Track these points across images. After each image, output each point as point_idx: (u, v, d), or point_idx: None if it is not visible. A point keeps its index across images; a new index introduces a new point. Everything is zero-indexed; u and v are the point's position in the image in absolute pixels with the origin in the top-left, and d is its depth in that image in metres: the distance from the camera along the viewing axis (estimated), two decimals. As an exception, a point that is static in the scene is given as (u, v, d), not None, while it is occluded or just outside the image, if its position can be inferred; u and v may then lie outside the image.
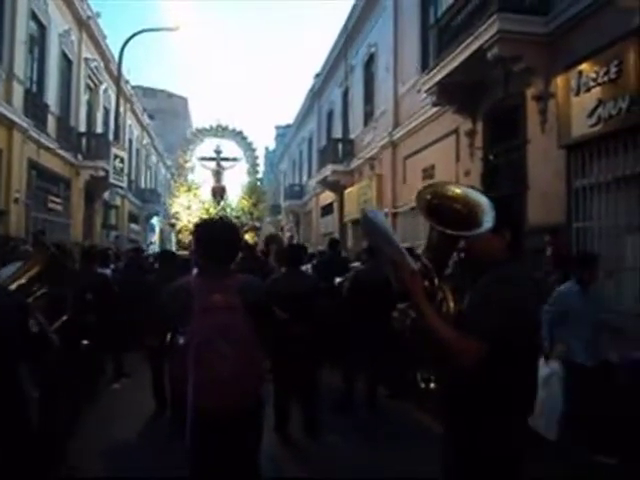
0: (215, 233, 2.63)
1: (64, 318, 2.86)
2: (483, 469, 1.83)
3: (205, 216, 20.87)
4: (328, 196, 21.00)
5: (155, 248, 21.07)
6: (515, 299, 1.81)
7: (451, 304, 1.90)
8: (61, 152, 15.65)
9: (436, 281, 1.90)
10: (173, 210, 21.76)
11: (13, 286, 2.28)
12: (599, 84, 6.53)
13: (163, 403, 5.12)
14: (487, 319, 1.77)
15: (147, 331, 2.79)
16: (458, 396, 1.90)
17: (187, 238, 20.77)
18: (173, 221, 22.40)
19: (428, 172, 12.13)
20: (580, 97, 6.88)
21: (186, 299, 2.40)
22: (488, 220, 1.81)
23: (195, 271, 3.31)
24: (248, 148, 22.38)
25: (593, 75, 6.61)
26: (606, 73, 6.39)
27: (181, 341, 2.39)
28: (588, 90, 6.72)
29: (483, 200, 1.92)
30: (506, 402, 1.82)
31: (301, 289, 4.77)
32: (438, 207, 1.94)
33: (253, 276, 3.05)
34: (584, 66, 6.81)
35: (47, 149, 14.60)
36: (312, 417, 4.84)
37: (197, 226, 2.83)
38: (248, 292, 2.49)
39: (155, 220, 34.16)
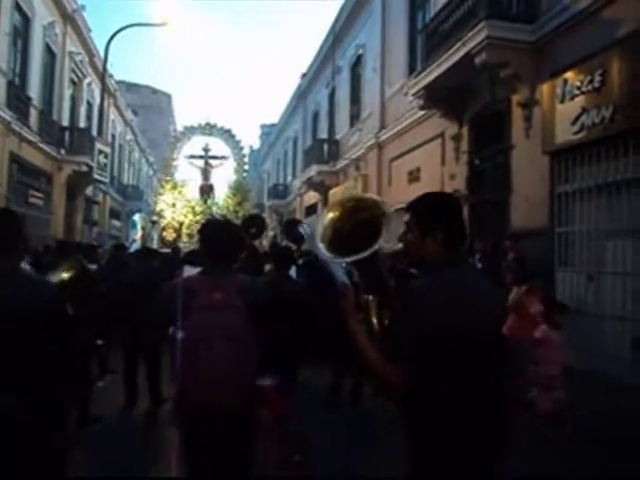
0: (217, 233, 2.70)
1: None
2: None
3: (190, 214, 20.86)
4: (312, 196, 21.03)
5: (137, 245, 20.81)
6: (423, 316, 1.70)
7: (374, 321, 1.89)
8: (43, 146, 15.43)
9: (370, 298, 1.92)
10: (158, 208, 21.65)
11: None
12: (583, 92, 6.68)
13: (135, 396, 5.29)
14: (400, 343, 1.72)
15: (147, 326, 2.78)
16: (404, 408, 1.84)
17: (171, 236, 20.69)
18: (155, 218, 22.28)
19: (414, 175, 12.25)
20: (565, 105, 7.03)
21: (186, 296, 2.43)
22: (384, 226, 1.84)
23: (186, 269, 3.33)
24: (236, 146, 22.37)
25: (578, 83, 6.76)
26: (590, 82, 6.54)
27: (179, 336, 2.39)
28: (572, 98, 6.87)
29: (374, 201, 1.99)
30: (445, 414, 1.72)
31: (284, 295, 4.76)
32: (340, 233, 1.94)
33: (255, 276, 3.14)
34: (569, 74, 6.96)
35: (29, 142, 14.38)
36: None
37: (202, 225, 2.90)
38: (249, 292, 2.52)
39: (137, 217, 33.81)
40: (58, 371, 2.20)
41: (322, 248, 1.90)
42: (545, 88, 7.46)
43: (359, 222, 1.94)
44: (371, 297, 1.96)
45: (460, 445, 1.70)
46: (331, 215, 2.00)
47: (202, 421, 2.39)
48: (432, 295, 1.75)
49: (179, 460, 2.62)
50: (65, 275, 2.89)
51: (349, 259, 1.85)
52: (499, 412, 1.82)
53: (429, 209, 1.89)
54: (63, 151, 16.99)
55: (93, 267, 6.65)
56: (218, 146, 21.59)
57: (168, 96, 52.76)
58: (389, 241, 1.97)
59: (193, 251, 6.42)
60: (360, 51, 16.60)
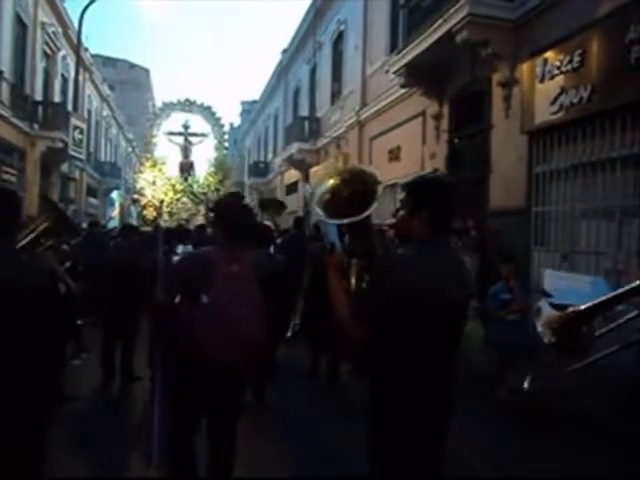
0: (243, 216, 2.93)
1: (67, 264, 3.49)
2: (382, 447, 1.96)
3: (171, 192, 20.56)
4: (293, 174, 20.91)
5: (114, 223, 20.52)
6: (388, 281, 1.89)
7: (352, 281, 2.13)
8: (15, 121, 15.00)
9: (354, 261, 2.15)
10: (138, 186, 21.29)
11: (25, 241, 2.55)
12: (563, 72, 6.69)
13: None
14: (363, 302, 1.95)
15: (155, 293, 3.02)
16: (369, 371, 2.03)
17: (152, 214, 20.42)
18: (136, 197, 21.93)
19: (394, 153, 12.23)
20: (544, 84, 7.05)
21: (207, 266, 2.69)
22: (376, 197, 2.05)
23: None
24: (216, 124, 21.99)
25: (557, 63, 6.77)
26: (570, 62, 6.55)
27: (204, 300, 2.62)
28: (552, 78, 6.89)
29: (372, 174, 2.18)
30: (400, 381, 1.90)
31: (268, 272, 4.81)
32: (337, 198, 2.16)
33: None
34: (549, 54, 6.96)
35: (0, 117, 13.95)
36: (261, 383, 5.02)
37: (218, 203, 3.15)
38: (260, 267, 2.86)
39: (115, 194, 33.27)
40: (49, 348, 2.41)
41: (319, 210, 2.11)
42: (525, 67, 7.46)
43: (355, 191, 2.13)
44: (356, 261, 2.18)
45: (405, 400, 1.90)
46: (331, 182, 2.19)
47: (214, 375, 2.64)
48: (398, 263, 1.97)
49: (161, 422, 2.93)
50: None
51: (341, 221, 2.06)
52: (445, 376, 1.98)
53: (419, 189, 2.06)
54: (36, 126, 16.53)
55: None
56: (198, 123, 21.23)
57: (146, 71, 51.53)
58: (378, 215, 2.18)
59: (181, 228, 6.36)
60: (342, 27, 16.36)
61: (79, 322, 5.03)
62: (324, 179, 2.23)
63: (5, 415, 2.20)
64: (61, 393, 4.61)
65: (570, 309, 2.89)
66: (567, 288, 3.47)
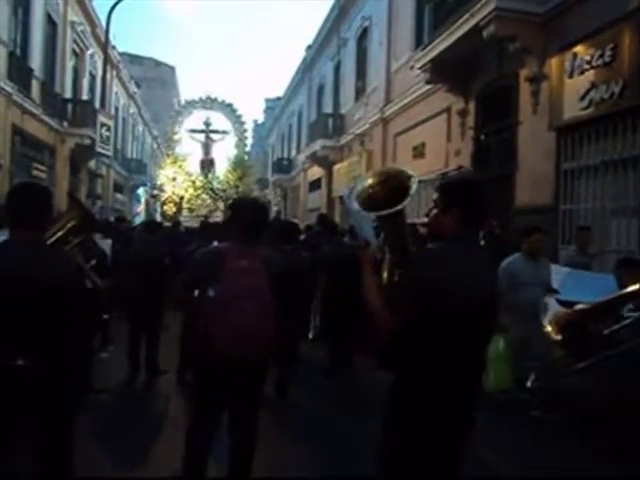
0: (256, 213, 3.06)
1: (93, 262, 3.48)
2: (398, 425, 2.05)
3: (191, 188, 20.79)
4: (316, 171, 20.91)
5: (140, 219, 20.85)
6: (421, 276, 2.01)
7: (385, 275, 2.22)
8: (46, 118, 15.32)
9: (387, 256, 2.25)
10: (158, 182, 21.60)
11: (54, 239, 2.63)
12: (593, 67, 6.54)
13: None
14: (395, 295, 2.06)
15: (178, 287, 3.25)
16: (394, 358, 2.14)
17: (171, 210, 20.67)
18: (156, 192, 22.25)
19: (418, 150, 12.13)
20: (573, 79, 6.90)
21: (218, 261, 2.81)
22: (411, 193, 2.16)
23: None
24: (237, 121, 22.17)
25: (587, 58, 6.62)
26: (601, 56, 6.40)
27: (211, 294, 2.75)
28: (582, 73, 6.74)
29: (409, 175, 2.27)
30: (422, 370, 2.00)
31: (293, 269, 4.86)
32: (374, 195, 2.28)
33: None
34: (579, 48, 6.81)
35: (31, 115, 14.28)
36: (284, 381, 5.06)
37: (235, 203, 3.36)
38: (269, 263, 2.93)
39: (141, 191, 33.78)
40: (74, 337, 2.44)
41: (356, 204, 2.23)
42: (554, 62, 7.31)
43: (391, 188, 2.24)
44: (389, 256, 2.27)
45: (427, 388, 1.98)
46: (370, 180, 2.33)
47: (227, 368, 2.73)
48: (431, 258, 2.07)
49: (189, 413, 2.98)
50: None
51: (378, 213, 2.18)
52: (471, 370, 2.05)
53: (451, 189, 2.17)
54: (66, 124, 16.87)
55: (107, 242, 6.67)
56: (220, 120, 21.41)
57: (172, 68, 52.08)
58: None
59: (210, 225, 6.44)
60: (366, 23, 16.27)
61: (105, 316, 5.12)
62: (363, 178, 2.37)
63: (37, 402, 2.26)
64: (89, 385, 4.71)
65: (578, 307, 2.83)
66: (574, 284, 3.36)
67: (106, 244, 5.65)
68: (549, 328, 2.92)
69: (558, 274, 3.58)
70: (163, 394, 5.12)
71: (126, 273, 5.38)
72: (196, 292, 3.06)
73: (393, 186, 2.23)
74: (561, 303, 3.00)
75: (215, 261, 2.83)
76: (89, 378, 4.67)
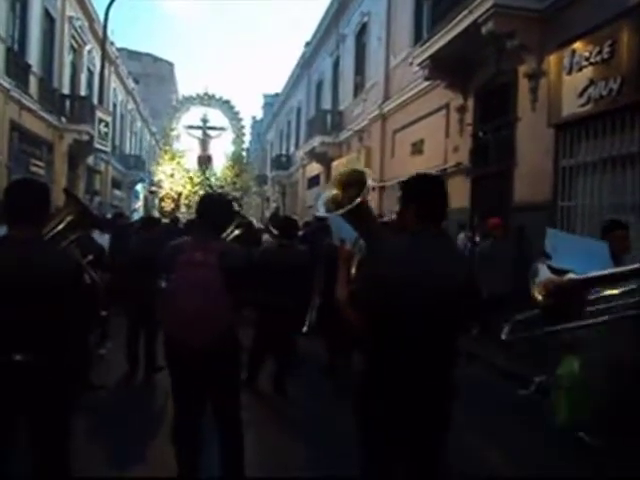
0: (210, 206, 3.17)
1: (90, 257, 3.45)
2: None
3: (189, 185, 20.79)
4: (315, 168, 20.90)
5: (138, 215, 20.83)
6: (369, 267, 2.23)
7: (352, 270, 2.39)
8: (44, 114, 15.27)
9: (357, 252, 2.44)
10: (156, 178, 21.56)
11: (51, 234, 2.64)
12: (591, 64, 6.54)
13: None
14: (355, 289, 2.23)
15: (150, 279, 3.54)
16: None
17: (169, 206, 20.65)
18: (154, 189, 22.23)
19: (417, 147, 12.13)
20: (572, 76, 6.90)
21: (174, 254, 2.95)
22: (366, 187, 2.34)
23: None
24: (234, 117, 22.10)
25: (586, 54, 6.61)
26: (599, 53, 6.40)
27: (163, 285, 2.97)
28: (580, 69, 6.74)
29: (363, 172, 2.49)
30: (377, 348, 2.18)
31: (292, 262, 4.88)
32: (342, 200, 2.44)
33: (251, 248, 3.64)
34: (577, 45, 6.80)
35: (29, 110, 14.24)
36: (282, 377, 5.11)
37: (200, 198, 3.41)
38: (227, 256, 2.94)
39: (139, 187, 33.72)
40: (73, 333, 2.50)
41: (322, 209, 2.44)
42: (552, 59, 7.30)
43: (353, 189, 2.39)
44: (359, 251, 2.44)
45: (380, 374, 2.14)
46: (334, 190, 2.50)
47: (184, 356, 2.87)
48: (381, 252, 2.22)
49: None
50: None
51: (335, 213, 2.33)
52: (434, 357, 2.13)
53: (407, 186, 2.32)
54: (64, 119, 16.82)
55: (105, 237, 6.64)
56: (217, 117, 21.37)
57: (170, 65, 51.95)
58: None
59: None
60: (365, 19, 16.24)
61: (104, 313, 5.10)
62: (329, 189, 2.55)
63: (35, 398, 2.28)
64: (88, 381, 4.72)
65: (568, 276, 2.78)
66: (567, 250, 3.21)
67: (104, 240, 5.64)
68: (536, 290, 2.87)
69: (552, 238, 3.36)
70: (162, 390, 5.11)
71: (124, 269, 5.37)
72: None
73: (354, 187, 2.40)
74: (553, 270, 2.92)
75: (172, 254, 2.97)
76: (88, 374, 4.68)
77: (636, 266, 2.82)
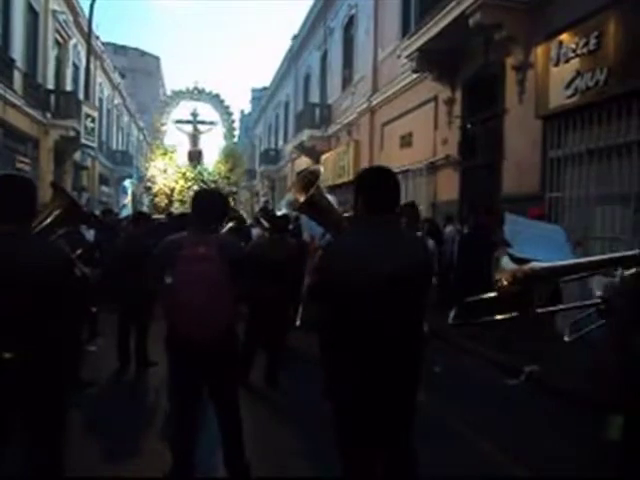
0: (206, 200, 3.20)
1: (79, 251, 3.47)
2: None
3: (182, 180, 20.64)
4: (304, 162, 20.84)
5: (127, 211, 20.66)
6: (320, 260, 2.41)
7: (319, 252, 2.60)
8: (28, 110, 15.07)
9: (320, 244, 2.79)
10: (149, 174, 21.35)
11: (39, 228, 2.64)
12: (578, 55, 6.58)
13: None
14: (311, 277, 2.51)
15: (148, 277, 3.44)
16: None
17: (163, 202, 20.51)
18: (149, 184, 22.05)
19: (406, 139, 12.14)
20: (559, 68, 6.93)
21: (174, 249, 2.95)
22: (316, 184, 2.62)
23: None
24: (225, 112, 21.93)
25: (573, 46, 6.65)
26: (586, 44, 6.43)
27: (168, 281, 2.89)
28: (567, 61, 6.77)
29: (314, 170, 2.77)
30: (335, 339, 2.31)
31: (285, 256, 4.88)
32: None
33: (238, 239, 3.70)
34: (564, 36, 6.84)
35: (13, 106, 14.03)
36: (274, 369, 5.11)
37: (195, 193, 3.41)
38: (226, 249, 2.99)
39: (127, 182, 33.42)
40: (64, 328, 2.48)
41: (284, 209, 2.87)
42: (539, 51, 7.33)
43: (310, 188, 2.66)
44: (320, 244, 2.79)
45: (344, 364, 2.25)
46: (294, 193, 2.74)
47: (189, 349, 2.89)
48: (331, 246, 2.44)
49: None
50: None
51: (286, 211, 2.68)
52: (391, 336, 2.20)
53: (357, 180, 2.45)
54: (49, 115, 16.61)
55: (90, 232, 6.61)
56: (207, 111, 21.19)
57: (157, 59, 51.41)
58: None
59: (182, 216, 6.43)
60: (352, 11, 16.17)
61: (94, 309, 5.07)
62: (290, 193, 2.82)
63: (26, 396, 2.26)
64: (78, 379, 4.69)
65: (529, 266, 2.76)
66: (526, 237, 3.15)
67: (89, 235, 5.60)
68: (503, 276, 2.84)
69: (511, 224, 3.27)
70: (153, 386, 5.11)
71: (114, 265, 5.34)
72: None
73: (312, 187, 2.63)
74: (513, 260, 2.90)
75: (172, 249, 2.96)
76: (77, 371, 4.65)
77: (603, 257, 2.84)
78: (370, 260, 2.19)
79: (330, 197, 2.97)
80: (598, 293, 3.15)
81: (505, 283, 2.79)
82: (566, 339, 3.26)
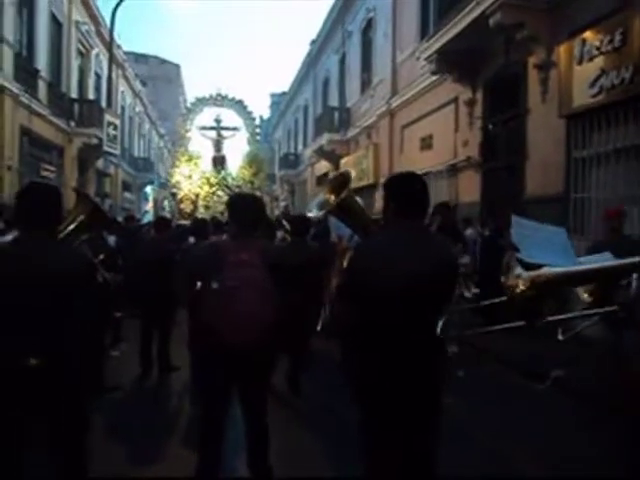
0: (246, 206, 3.19)
1: (101, 257, 3.51)
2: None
3: (206, 185, 20.91)
4: (323, 166, 20.85)
5: (149, 217, 20.95)
6: (350, 261, 2.44)
7: (344, 265, 2.65)
8: (53, 119, 15.37)
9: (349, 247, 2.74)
10: (174, 180, 21.64)
11: (63, 234, 2.67)
12: (603, 53, 6.44)
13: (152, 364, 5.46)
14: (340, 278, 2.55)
15: (177, 280, 3.43)
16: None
17: (188, 207, 20.78)
18: (174, 190, 22.37)
19: (426, 142, 12.05)
20: (583, 66, 6.80)
21: (217, 255, 2.97)
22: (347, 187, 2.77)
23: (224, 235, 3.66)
24: (248, 117, 22.14)
25: (597, 43, 6.52)
26: (610, 41, 6.30)
27: (214, 286, 2.88)
28: (591, 59, 6.64)
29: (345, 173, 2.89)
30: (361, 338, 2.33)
31: (305, 259, 4.86)
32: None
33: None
34: (588, 34, 6.70)
35: (39, 115, 14.33)
36: (296, 374, 5.06)
37: (232, 198, 3.44)
38: (268, 254, 3.04)
39: (149, 189, 33.86)
40: (86, 333, 2.50)
41: (315, 211, 2.92)
42: (562, 49, 7.20)
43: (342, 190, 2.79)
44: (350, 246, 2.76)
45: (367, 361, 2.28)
46: (327, 194, 2.81)
47: (227, 353, 2.88)
48: (361, 247, 2.50)
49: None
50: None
51: (322, 211, 2.86)
52: (412, 346, 2.22)
53: (387, 186, 2.50)
54: (73, 123, 16.92)
55: (111, 238, 6.68)
56: (230, 117, 21.42)
57: (177, 66, 52.10)
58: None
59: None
60: (370, 14, 16.14)
61: (118, 314, 5.12)
62: (323, 193, 2.94)
63: (50, 402, 2.28)
64: (101, 383, 4.73)
65: (543, 271, 2.69)
66: (533, 241, 3.04)
67: (111, 241, 5.65)
68: (520, 282, 2.75)
69: (517, 227, 3.16)
70: (176, 391, 5.13)
71: (135, 271, 5.37)
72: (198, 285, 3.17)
73: (344, 189, 2.71)
74: (524, 266, 2.83)
75: (215, 255, 2.98)
76: (101, 376, 4.69)
77: (626, 261, 2.73)
78: (398, 263, 2.22)
79: (359, 200, 3.01)
80: (586, 297, 3.12)
81: (523, 288, 2.73)
82: (560, 338, 3.25)
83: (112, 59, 18.51)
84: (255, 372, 3.04)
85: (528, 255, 2.82)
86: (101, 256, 3.21)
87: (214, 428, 3.02)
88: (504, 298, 2.89)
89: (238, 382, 3.03)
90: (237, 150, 22.14)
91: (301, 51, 36.25)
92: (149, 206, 30.02)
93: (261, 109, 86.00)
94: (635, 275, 2.66)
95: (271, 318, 2.97)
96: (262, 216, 3.48)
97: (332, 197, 2.72)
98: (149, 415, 4.41)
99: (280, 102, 36.98)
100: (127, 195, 27.87)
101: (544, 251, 2.83)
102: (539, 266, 2.72)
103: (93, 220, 2.87)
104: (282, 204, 30.81)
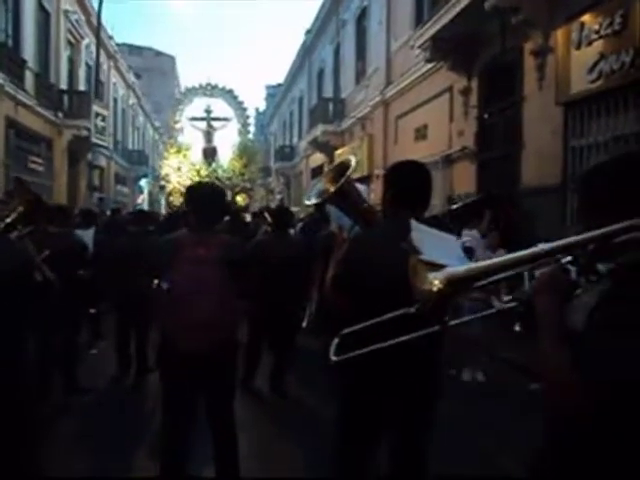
0: (204, 196, 2.92)
1: (46, 252, 3.11)
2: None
3: (196, 177, 20.63)
4: (318, 158, 20.59)
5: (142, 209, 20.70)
6: (345, 251, 2.30)
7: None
8: (41, 110, 15.05)
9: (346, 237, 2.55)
10: (163, 172, 21.34)
11: (1, 226, 2.48)
12: (602, 37, 6.18)
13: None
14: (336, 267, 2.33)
15: (140, 275, 3.25)
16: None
17: (178, 200, 20.51)
18: (163, 183, 22.10)
19: (421, 132, 11.81)
20: (581, 51, 6.54)
21: (172, 251, 2.72)
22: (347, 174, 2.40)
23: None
24: (239, 107, 21.80)
25: (596, 27, 6.25)
26: (610, 24, 6.04)
27: (164, 286, 2.69)
28: (590, 43, 6.38)
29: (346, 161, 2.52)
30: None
31: (287, 253, 4.63)
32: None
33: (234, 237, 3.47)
34: (586, 17, 6.44)
35: (25, 106, 14.01)
36: (281, 372, 4.86)
37: (189, 188, 3.16)
38: (228, 250, 2.80)
39: (143, 182, 33.56)
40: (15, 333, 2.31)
41: (313, 199, 2.53)
42: (560, 34, 6.93)
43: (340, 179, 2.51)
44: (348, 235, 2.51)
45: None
46: (325, 182, 2.58)
47: (186, 360, 2.64)
48: (357, 238, 2.37)
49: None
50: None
51: (319, 200, 2.46)
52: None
53: (386, 174, 2.46)
54: (62, 115, 16.60)
55: (90, 231, 6.44)
56: (221, 107, 21.10)
57: (172, 58, 51.59)
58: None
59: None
60: (365, 3, 15.83)
61: (92, 311, 4.88)
62: (320, 182, 2.62)
63: None
64: (74, 385, 4.50)
65: (458, 269, 2.55)
66: (431, 244, 2.98)
67: (88, 235, 5.40)
68: (436, 281, 2.61)
69: (416, 231, 3.11)
70: (151, 394, 4.85)
71: (111, 265, 5.11)
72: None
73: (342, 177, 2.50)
74: (428, 265, 2.76)
75: (169, 250, 2.73)
76: (73, 377, 4.46)
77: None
78: (393, 254, 2.01)
79: (362, 187, 2.78)
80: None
81: (440, 287, 2.55)
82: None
83: (99, 45, 18.15)
84: (218, 382, 2.81)
85: (430, 257, 2.72)
86: (46, 252, 2.94)
87: (175, 441, 2.77)
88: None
89: (203, 390, 2.80)
90: (229, 142, 21.76)
91: (297, 42, 35.85)
92: (141, 199, 29.72)
93: (257, 101, 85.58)
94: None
95: (228, 323, 2.78)
96: (223, 207, 3.25)
97: (331, 186, 2.57)
98: (118, 422, 4.11)
99: (276, 94, 36.64)
100: (121, 188, 27.56)
101: (444, 254, 2.75)
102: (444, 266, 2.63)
103: (32, 212, 2.61)
104: (278, 197, 30.59)
